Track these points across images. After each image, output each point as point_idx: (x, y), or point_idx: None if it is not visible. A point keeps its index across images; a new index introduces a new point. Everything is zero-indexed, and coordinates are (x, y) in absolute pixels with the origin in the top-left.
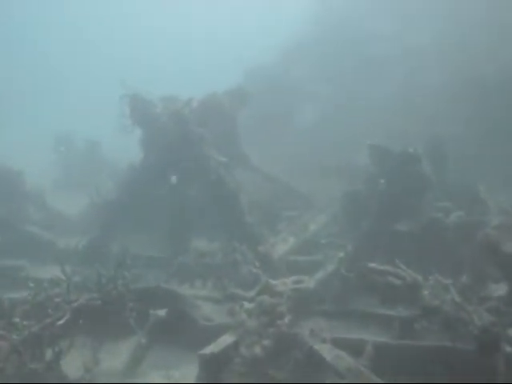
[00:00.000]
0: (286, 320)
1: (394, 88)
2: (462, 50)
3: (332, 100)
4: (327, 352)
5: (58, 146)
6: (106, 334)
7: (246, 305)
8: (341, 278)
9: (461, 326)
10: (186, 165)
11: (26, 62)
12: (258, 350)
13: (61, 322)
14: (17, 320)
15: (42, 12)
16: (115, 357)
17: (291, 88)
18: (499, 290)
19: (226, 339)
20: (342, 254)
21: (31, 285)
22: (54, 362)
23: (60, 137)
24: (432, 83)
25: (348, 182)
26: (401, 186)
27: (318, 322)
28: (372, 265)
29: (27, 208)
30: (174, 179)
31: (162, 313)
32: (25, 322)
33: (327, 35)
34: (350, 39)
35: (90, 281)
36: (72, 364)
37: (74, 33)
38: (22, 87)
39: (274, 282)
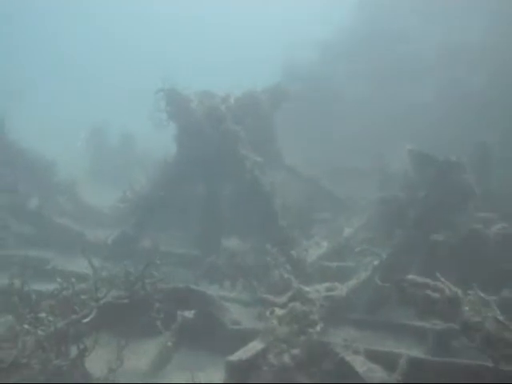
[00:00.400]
0: (318, 328)
1: (435, 91)
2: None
3: (370, 102)
4: (360, 365)
5: (93, 137)
6: (132, 333)
7: (277, 311)
8: (374, 287)
9: (503, 346)
10: (221, 163)
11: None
12: (287, 358)
13: (87, 319)
14: (43, 315)
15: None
16: (140, 357)
17: (329, 88)
18: None
19: (255, 346)
20: (376, 263)
21: (58, 280)
22: (78, 360)
23: (93, 130)
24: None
25: (382, 186)
26: (442, 195)
27: (349, 332)
28: (411, 277)
29: (58, 199)
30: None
31: (189, 314)
32: (50, 318)
33: (368, 34)
34: (391, 39)
35: (118, 278)
36: (96, 362)
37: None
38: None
39: (306, 288)
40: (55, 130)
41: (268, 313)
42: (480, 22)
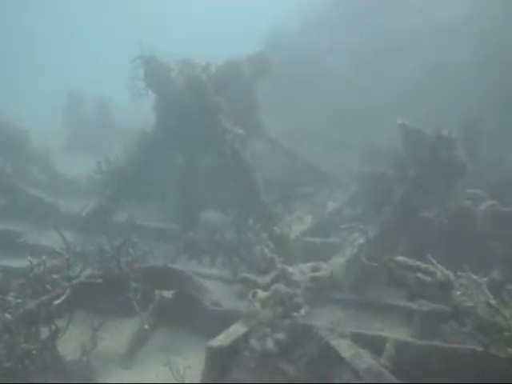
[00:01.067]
0: (303, 312)
1: (419, 65)
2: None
3: (353, 74)
4: (346, 350)
5: (70, 104)
6: (107, 313)
7: (260, 293)
8: (361, 266)
9: (494, 331)
10: (201, 135)
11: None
12: (270, 343)
13: (59, 300)
14: (10, 298)
15: None
16: (116, 337)
17: (312, 59)
18: None
19: (237, 330)
20: (362, 240)
21: (29, 258)
22: (49, 342)
23: (72, 95)
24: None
25: (368, 161)
26: (432, 171)
27: (335, 312)
28: (401, 258)
29: (31, 169)
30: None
31: (168, 294)
32: (19, 300)
33: (354, 2)
34: (375, 8)
35: (92, 255)
36: (69, 343)
37: None
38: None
39: (290, 269)
40: (33, 101)
41: (250, 295)
42: None
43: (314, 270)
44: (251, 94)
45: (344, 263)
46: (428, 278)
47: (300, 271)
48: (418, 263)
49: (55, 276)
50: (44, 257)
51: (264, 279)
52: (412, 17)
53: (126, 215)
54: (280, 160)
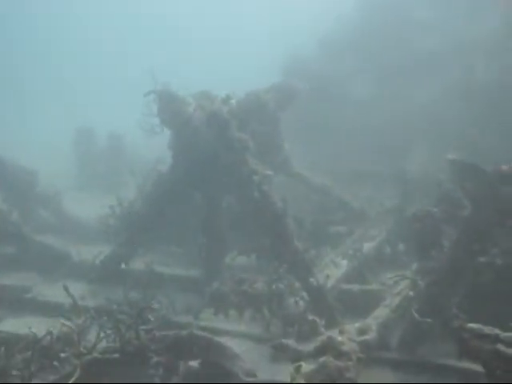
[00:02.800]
0: None
1: (445, 89)
2: None
3: (376, 101)
4: None
5: (79, 142)
6: None
7: (304, 366)
8: (412, 322)
9: None
10: (223, 175)
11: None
12: None
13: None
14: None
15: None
16: None
17: (333, 87)
18: None
19: None
20: (411, 292)
21: (31, 330)
22: None
23: (81, 131)
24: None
25: (403, 196)
26: (492, 211)
27: (385, 375)
28: (474, 326)
29: (40, 212)
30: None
31: (194, 364)
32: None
33: (371, 27)
34: (397, 31)
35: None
36: None
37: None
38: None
39: (338, 337)
40: (38, 138)
41: (293, 369)
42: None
43: (361, 331)
44: (276, 127)
45: (391, 317)
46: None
47: (348, 337)
48: (497, 331)
49: (64, 354)
50: (51, 330)
51: (307, 348)
52: (437, 36)
53: (143, 263)
54: (308, 196)
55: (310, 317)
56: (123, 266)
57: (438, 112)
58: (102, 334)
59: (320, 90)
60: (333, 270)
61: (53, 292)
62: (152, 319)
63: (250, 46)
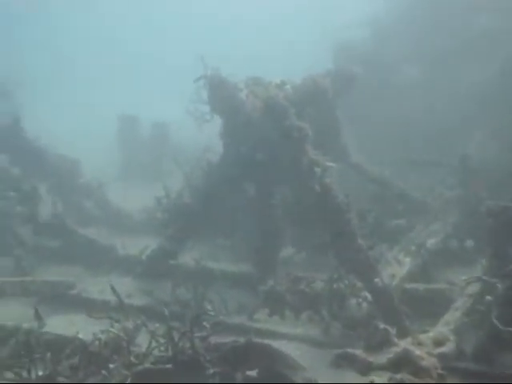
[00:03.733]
0: None
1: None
2: None
3: (427, 85)
4: None
5: (123, 130)
6: None
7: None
8: (491, 331)
9: None
10: (279, 165)
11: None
12: None
13: None
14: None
15: None
16: None
17: (383, 71)
18: None
19: None
20: (489, 297)
21: (79, 336)
22: None
23: (124, 119)
24: None
25: (463, 185)
26: None
27: None
28: None
29: (83, 204)
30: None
31: (252, 374)
32: None
33: (424, 6)
34: (449, 11)
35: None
36: None
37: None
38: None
39: (415, 350)
40: (81, 123)
41: None
42: None
43: (437, 342)
44: (333, 115)
45: (464, 322)
46: None
47: (428, 353)
48: None
49: (112, 363)
50: (99, 335)
51: (377, 359)
52: (490, 18)
53: (191, 258)
54: (364, 186)
55: (381, 325)
56: (171, 261)
57: (493, 94)
58: (153, 343)
59: (369, 75)
60: (395, 267)
61: (97, 288)
62: (207, 326)
63: (295, 32)
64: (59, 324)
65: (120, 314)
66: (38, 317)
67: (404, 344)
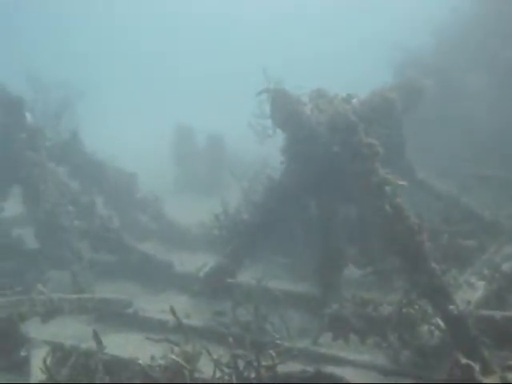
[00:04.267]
0: None
1: None
2: None
3: (494, 97)
4: None
5: (178, 142)
6: None
7: None
8: None
9: None
10: (345, 183)
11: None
12: None
13: None
14: None
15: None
16: None
17: (450, 81)
18: None
19: None
20: None
21: (140, 361)
22: None
23: (180, 130)
24: None
25: None
26: None
27: None
28: None
29: (140, 218)
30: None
31: None
32: None
33: (487, 19)
34: None
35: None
36: None
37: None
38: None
39: None
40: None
41: None
42: None
43: None
44: (400, 130)
45: None
46: None
47: None
48: None
49: None
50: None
51: None
52: None
53: (253, 278)
54: (428, 204)
55: (463, 360)
56: (229, 279)
57: None
58: (217, 373)
59: (436, 85)
60: (468, 292)
61: (154, 306)
62: (273, 354)
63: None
64: (115, 343)
65: (179, 337)
66: (96, 339)
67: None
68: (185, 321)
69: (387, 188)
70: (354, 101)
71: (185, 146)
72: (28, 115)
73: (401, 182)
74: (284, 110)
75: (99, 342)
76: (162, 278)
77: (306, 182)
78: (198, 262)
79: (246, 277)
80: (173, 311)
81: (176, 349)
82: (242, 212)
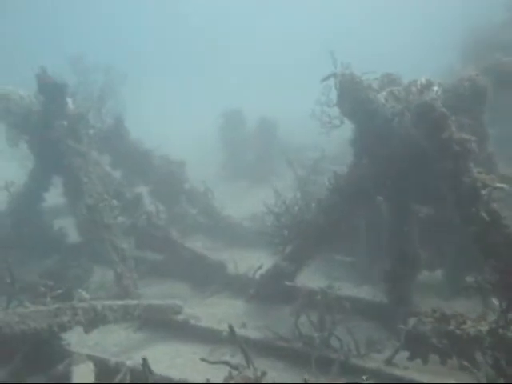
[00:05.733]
0: None
1: None
2: None
3: None
4: None
5: (226, 127)
6: None
7: None
8: None
9: None
10: (427, 183)
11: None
12: None
13: None
14: None
15: None
16: None
17: None
18: None
19: None
20: None
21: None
22: None
23: (229, 115)
24: None
25: None
26: None
27: None
28: None
29: (189, 211)
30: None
31: None
32: None
33: None
34: None
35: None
36: None
37: None
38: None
39: None
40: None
41: None
42: None
43: None
44: (481, 119)
45: None
46: None
47: None
48: None
49: None
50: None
51: None
52: None
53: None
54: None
55: None
56: (287, 282)
57: None
58: None
59: None
60: None
61: (206, 312)
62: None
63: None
64: (164, 356)
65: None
66: (146, 369)
67: None
68: (240, 331)
69: (483, 192)
70: (435, 88)
71: (233, 131)
72: (69, 101)
73: (499, 185)
74: (353, 97)
75: (149, 372)
76: (213, 279)
77: (379, 179)
78: (251, 261)
79: (304, 278)
80: (232, 330)
81: (235, 373)
82: (300, 206)
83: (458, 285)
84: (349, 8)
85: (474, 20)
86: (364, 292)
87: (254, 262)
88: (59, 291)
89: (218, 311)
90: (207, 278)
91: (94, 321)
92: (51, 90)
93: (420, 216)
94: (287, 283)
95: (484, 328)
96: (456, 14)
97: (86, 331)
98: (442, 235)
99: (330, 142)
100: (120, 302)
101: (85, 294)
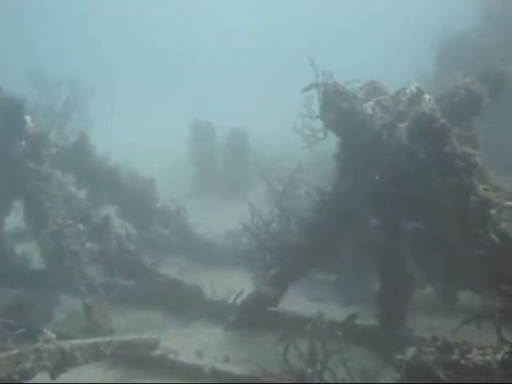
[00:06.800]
0: None
1: None
2: None
3: None
4: None
5: (196, 139)
6: None
7: None
8: None
9: None
10: (424, 200)
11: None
12: None
13: None
14: None
15: None
16: None
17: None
18: None
19: None
20: None
21: None
22: None
23: (198, 127)
24: None
25: None
26: None
27: None
28: None
29: (160, 231)
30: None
31: None
32: None
33: None
34: None
35: None
36: None
37: None
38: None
39: None
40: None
41: None
42: None
43: None
44: (471, 128)
45: None
46: None
47: None
48: None
49: None
50: None
51: None
52: None
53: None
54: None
55: None
56: (270, 308)
57: None
58: None
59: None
60: None
61: (184, 342)
62: None
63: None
64: None
65: None
66: None
67: None
68: (223, 366)
69: (492, 212)
70: (426, 97)
71: (203, 144)
72: (28, 119)
73: (510, 203)
74: (338, 108)
75: None
76: (190, 305)
77: (367, 197)
78: (229, 282)
79: (286, 300)
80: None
81: None
82: (279, 224)
83: (449, 302)
84: (323, 18)
85: (448, 25)
86: (351, 312)
87: (232, 284)
88: (21, 330)
89: (196, 341)
90: (183, 304)
91: (62, 364)
92: (8, 107)
93: (409, 230)
94: (270, 309)
95: (492, 358)
96: (431, 20)
97: (53, 376)
98: (432, 250)
99: (304, 152)
100: (90, 340)
101: (50, 334)
